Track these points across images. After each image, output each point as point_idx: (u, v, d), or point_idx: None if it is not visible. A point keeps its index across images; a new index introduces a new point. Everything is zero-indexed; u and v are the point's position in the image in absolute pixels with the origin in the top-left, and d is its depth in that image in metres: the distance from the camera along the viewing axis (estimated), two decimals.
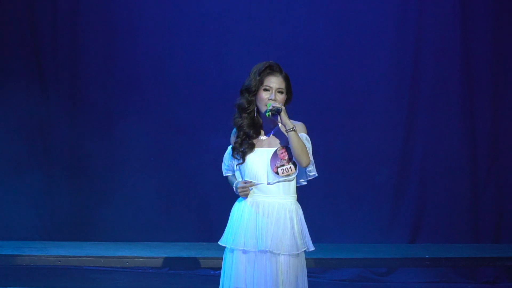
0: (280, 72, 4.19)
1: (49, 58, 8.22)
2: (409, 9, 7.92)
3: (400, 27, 7.92)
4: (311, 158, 4.14)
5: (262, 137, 4.21)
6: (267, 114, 4.10)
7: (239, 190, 4.16)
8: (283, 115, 4.08)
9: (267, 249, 4.06)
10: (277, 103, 4.11)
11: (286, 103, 4.18)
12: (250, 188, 4.13)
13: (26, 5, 8.23)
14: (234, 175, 4.27)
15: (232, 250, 4.14)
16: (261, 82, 4.15)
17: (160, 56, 8.14)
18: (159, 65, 8.14)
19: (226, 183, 4.35)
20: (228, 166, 4.27)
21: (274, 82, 4.16)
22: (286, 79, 4.20)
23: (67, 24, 8.21)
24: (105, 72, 8.20)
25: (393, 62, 7.93)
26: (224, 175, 4.32)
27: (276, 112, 4.08)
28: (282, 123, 4.12)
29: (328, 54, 7.97)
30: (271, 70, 4.17)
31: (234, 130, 4.23)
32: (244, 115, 4.18)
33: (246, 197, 4.16)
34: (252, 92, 4.15)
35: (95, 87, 8.20)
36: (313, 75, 7.96)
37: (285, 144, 4.15)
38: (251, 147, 4.16)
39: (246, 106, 4.17)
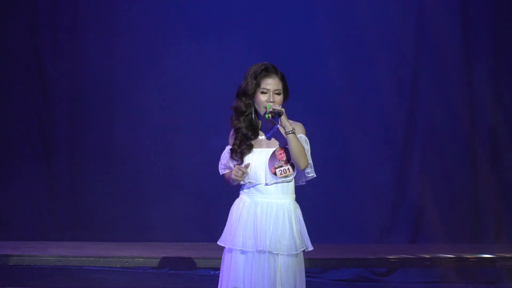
0: (276, 73, 4.16)
1: (49, 58, 8.22)
2: (409, 9, 7.92)
3: (400, 27, 7.92)
4: (310, 161, 4.13)
5: (261, 138, 4.21)
6: (266, 116, 4.09)
7: (233, 172, 4.11)
8: (283, 118, 4.06)
9: (265, 250, 4.06)
10: (277, 106, 4.09)
11: (283, 101, 4.17)
12: (245, 179, 4.11)
13: (26, 5, 8.23)
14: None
15: (230, 250, 4.13)
16: (258, 85, 4.13)
17: (160, 56, 8.14)
18: (159, 65, 8.13)
19: (225, 183, 4.34)
20: (224, 165, 4.26)
21: (271, 84, 4.13)
22: (283, 79, 4.17)
23: (67, 24, 8.20)
24: (105, 72, 8.20)
25: (393, 62, 7.93)
26: (221, 174, 4.31)
27: (276, 115, 4.06)
28: (281, 125, 4.10)
29: (328, 54, 7.96)
30: (267, 72, 4.14)
31: (232, 131, 4.23)
32: (242, 118, 4.17)
33: (238, 181, 4.12)
34: (249, 95, 4.14)
35: (95, 87, 8.19)
36: (313, 75, 7.96)
37: (284, 145, 4.14)
38: (250, 147, 4.15)
39: (244, 109, 4.16)
